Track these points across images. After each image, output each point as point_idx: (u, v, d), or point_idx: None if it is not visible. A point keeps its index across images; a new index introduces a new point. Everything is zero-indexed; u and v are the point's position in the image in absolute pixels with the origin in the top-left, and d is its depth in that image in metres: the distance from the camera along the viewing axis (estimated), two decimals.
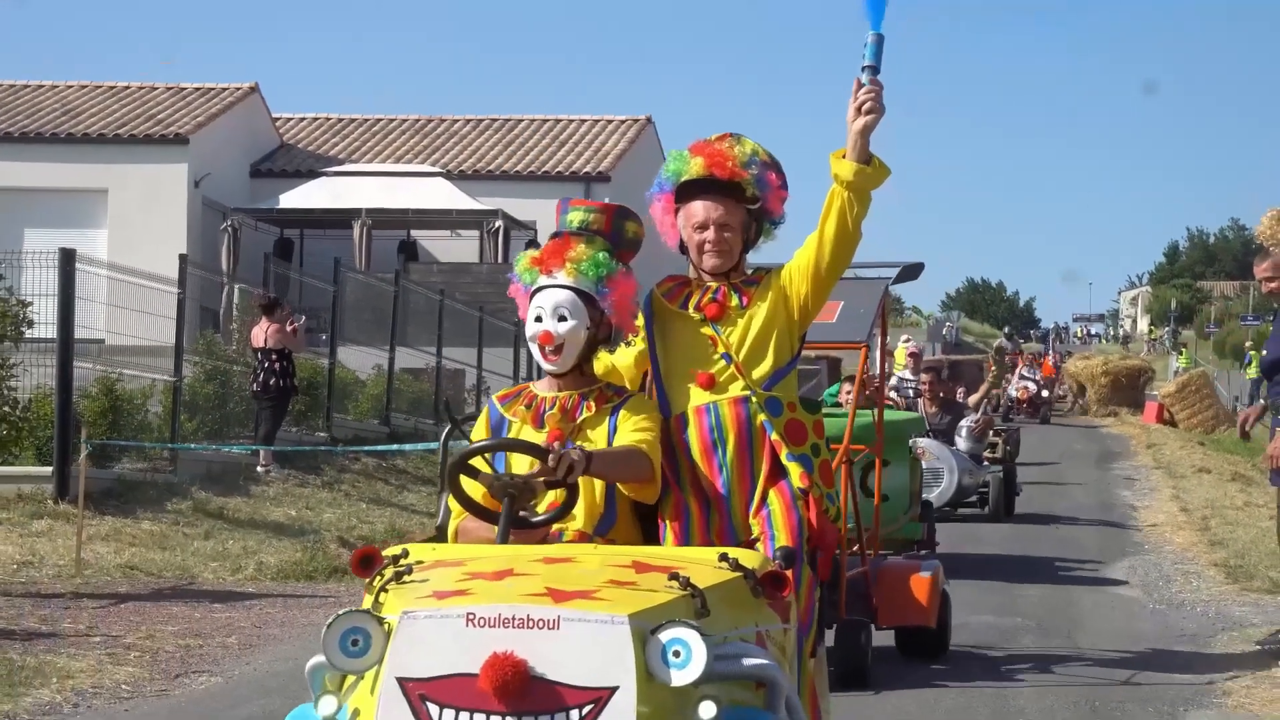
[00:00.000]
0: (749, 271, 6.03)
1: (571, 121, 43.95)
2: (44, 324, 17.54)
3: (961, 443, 19.16)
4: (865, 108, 5.71)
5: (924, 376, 19.41)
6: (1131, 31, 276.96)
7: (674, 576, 4.38)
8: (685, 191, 6.00)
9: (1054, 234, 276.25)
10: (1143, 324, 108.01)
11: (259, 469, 19.95)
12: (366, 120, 44.87)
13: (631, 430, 5.60)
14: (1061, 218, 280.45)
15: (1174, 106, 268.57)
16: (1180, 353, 66.90)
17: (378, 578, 4.58)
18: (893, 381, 25.11)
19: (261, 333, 20.20)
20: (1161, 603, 13.29)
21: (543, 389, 5.78)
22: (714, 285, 5.96)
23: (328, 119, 44.87)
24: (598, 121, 43.97)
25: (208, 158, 36.54)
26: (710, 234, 5.91)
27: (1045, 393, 43.22)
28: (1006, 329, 59.75)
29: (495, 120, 44.12)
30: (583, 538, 5.45)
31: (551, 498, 5.38)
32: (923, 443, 16.44)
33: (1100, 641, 11.28)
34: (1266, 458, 10.15)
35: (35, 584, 13.54)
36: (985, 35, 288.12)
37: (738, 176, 5.91)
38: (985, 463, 20.20)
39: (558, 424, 5.60)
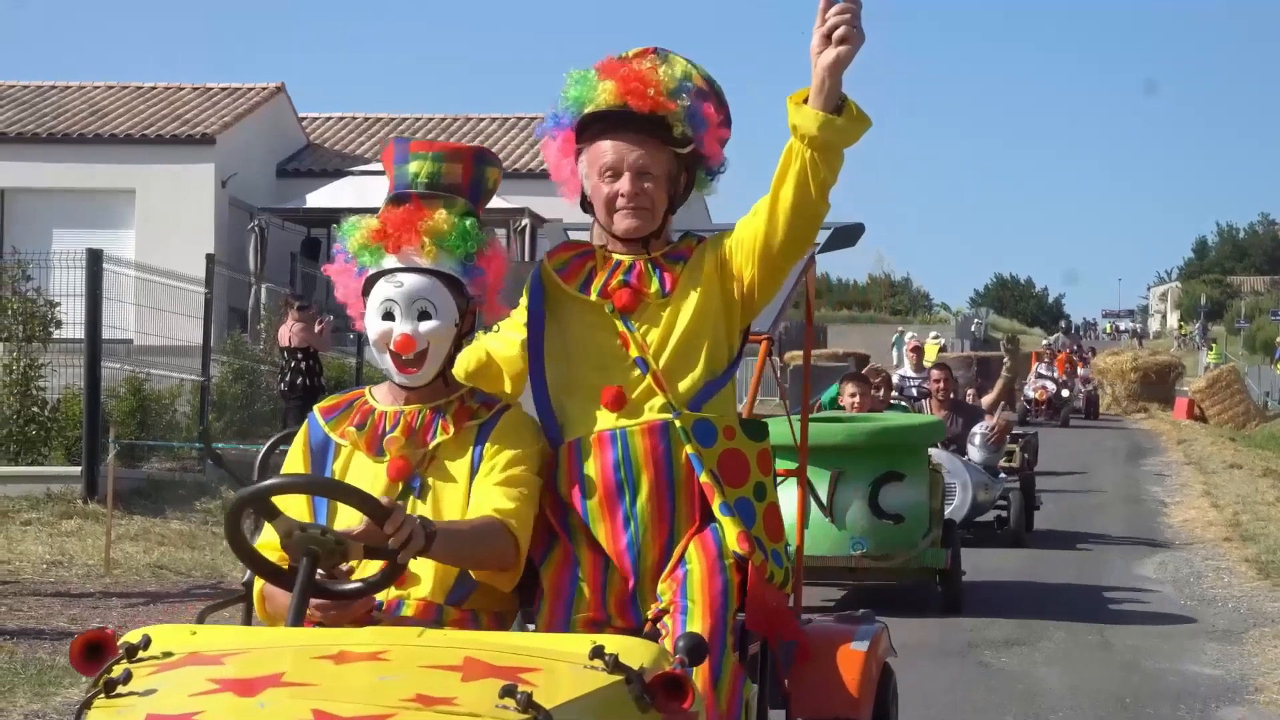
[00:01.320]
0: (675, 240, 4.62)
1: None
2: (72, 324, 17.60)
3: (975, 452, 16.37)
4: (838, 35, 4.11)
5: (935, 374, 16.67)
6: (1157, 29, 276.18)
7: (509, 691, 3.07)
8: (591, 127, 4.51)
9: (1084, 230, 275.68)
10: (1172, 319, 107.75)
11: None
12: (392, 119, 44.88)
13: (497, 484, 4.25)
14: (1091, 214, 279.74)
15: (1203, 102, 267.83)
16: (1210, 348, 66.71)
17: (106, 675, 3.28)
18: (894, 378, 24.16)
19: (287, 331, 20.22)
20: (1192, 599, 13.22)
21: (383, 399, 4.45)
22: (626, 259, 4.53)
23: (354, 118, 44.90)
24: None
25: (234, 157, 36.59)
26: (624, 185, 4.43)
27: (1065, 392, 38.58)
28: (1062, 323, 54.99)
29: (520, 119, 44.11)
30: (429, 610, 4.20)
31: (372, 564, 4.01)
32: (934, 454, 14.21)
33: (1130, 638, 11.22)
34: None
35: (65, 583, 13.56)
36: (1016, 32, 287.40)
37: (662, 109, 4.43)
38: (1001, 474, 16.96)
39: (402, 451, 4.30)
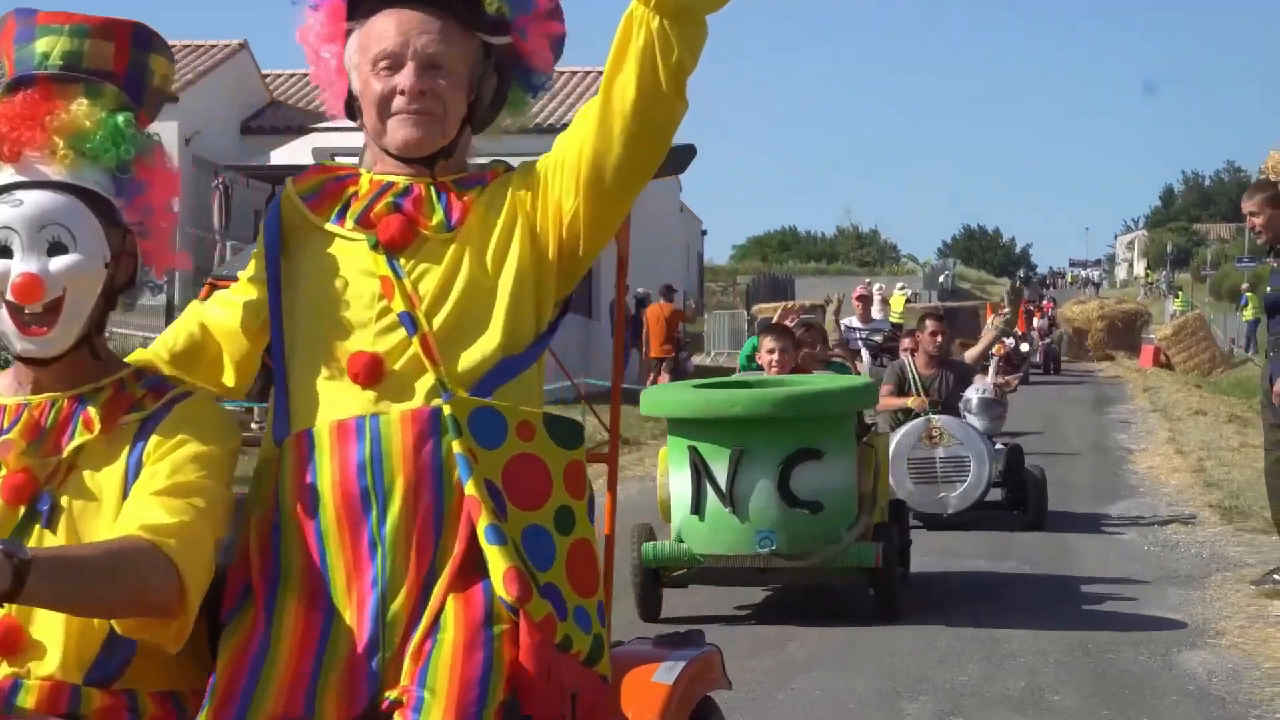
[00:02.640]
0: (474, 166, 3.45)
1: (563, 73, 43.78)
2: None
3: (975, 419, 14.52)
4: None
5: (929, 324, 14.14)
6: None
7: None
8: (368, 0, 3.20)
9: (1051, 180, 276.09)
10: (1139, 268, 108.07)
11: (254, 425, 19.89)
12: None
13: (157, 494, 2.93)
14: (1058, 164, 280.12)
15: (1170, 51, 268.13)
16: (1177, 296, 66.92)
17: None
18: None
19: None
20: (1156, 544, 13.28)
21: (3, 388, 3.13)
22: (402, 181, 3.29)
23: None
24: (589, 73, 43.79)
25: (197, 115, 36.41)
26: (406, 78, 3.18)
27: (1024, 346, 35.64)
28: (1021, 272, 48.50)
29: None
30: (58, 695, 2.88)
31: None
32: (939, 420, 13.27)
33: (1094, 584, 11.26)
34: (1277, 394, 10.12)
35: None
36: None
37: None
38: (998, 444, 14.51)
39: (23, 461, 2.97)
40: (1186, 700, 7.86)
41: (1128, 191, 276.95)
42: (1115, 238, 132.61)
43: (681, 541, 9.53)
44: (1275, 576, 10.71)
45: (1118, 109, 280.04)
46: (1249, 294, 44.29)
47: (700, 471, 9.30)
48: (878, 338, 19.22)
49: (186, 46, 39.37)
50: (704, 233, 67.33)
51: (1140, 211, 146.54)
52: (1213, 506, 15.32)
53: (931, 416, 13.36)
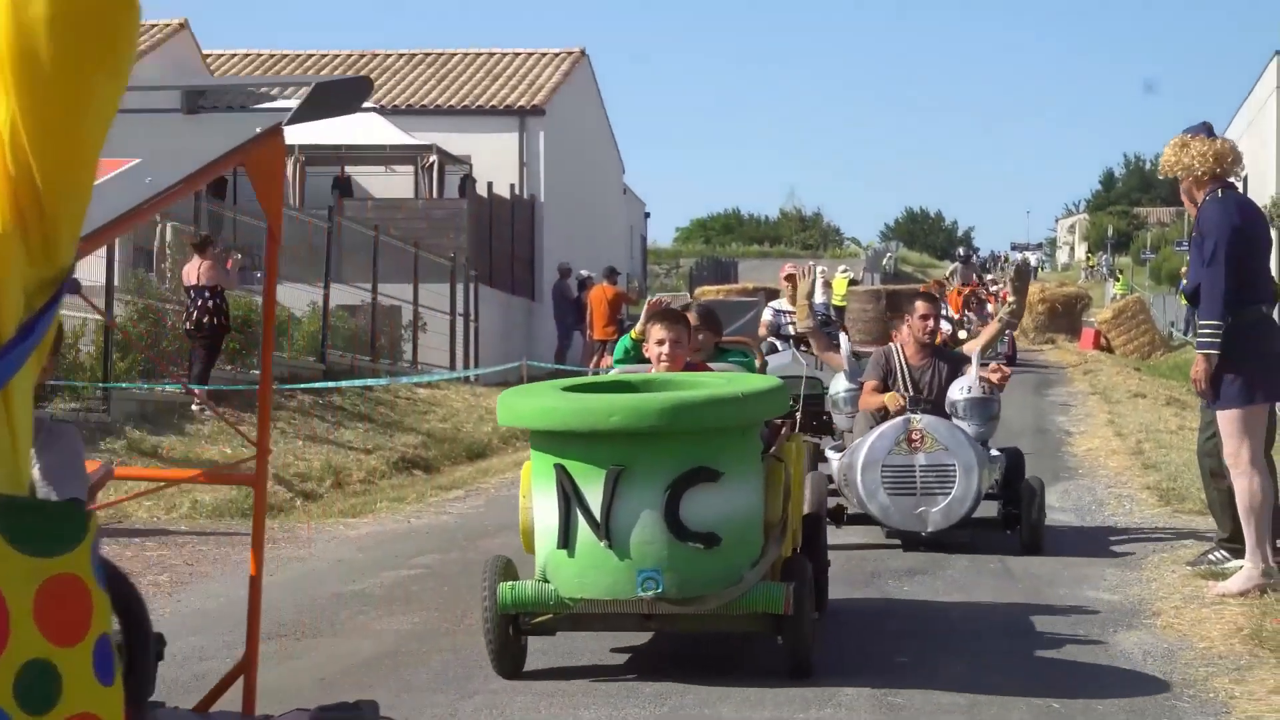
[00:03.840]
0: None
1: (505, 55, 43.72)
2: None
3: (965, 423, 11.95)
4: None
5: (919, 306, 12.34)
6: None
7: None
8: None
9: (993, 162, 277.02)
10: (1080, 251, 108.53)
11: (194, 407, 19.84)
12: (298, 56, 44.52)
13: None
14: (1000, 147, 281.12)
15: (1110, 32, 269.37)
16: (1117, 279, 67.29)
17: None
18: (766, 315, 21.83)
19: (194, 270, 20.07)
20: (1094, 525, 13.37)
21: None
22: None
23: (258, 55, 44.51)
24: (532, 55, 43.76)
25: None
26: None
27: (962, 334, 30.44)
28: (961, 250, 44.67)
29: (428, 54, 43.86)
30: None
31: None
32: (922, 421, 11.58)
33: (1031, 565, 11.34)
34: (1195, 382, 10.21)
35: None
36: None
37: None
38: (994, 451, 12.41)
39: None
40: (1122, 680, 7.93)
41: (1069, 175, 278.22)
42: (1056, 221, 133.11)
43: (546, 581, 7.71)
44: (1210, 558, 10.79)
45: (1059, 92, 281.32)
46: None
47: (569, 496, 7.46)
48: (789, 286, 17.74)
49: None
50: (647, 215, 67.32)
51: (1081, 195, 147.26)
52: (1150, 489, 15.44)
53: (913, 416, 11.61)
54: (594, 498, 7.45)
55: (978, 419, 12.05)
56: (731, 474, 7.52)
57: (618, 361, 9.42)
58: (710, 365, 8.94)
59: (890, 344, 12.65)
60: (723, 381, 7.86)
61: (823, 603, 9.06)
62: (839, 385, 12.73)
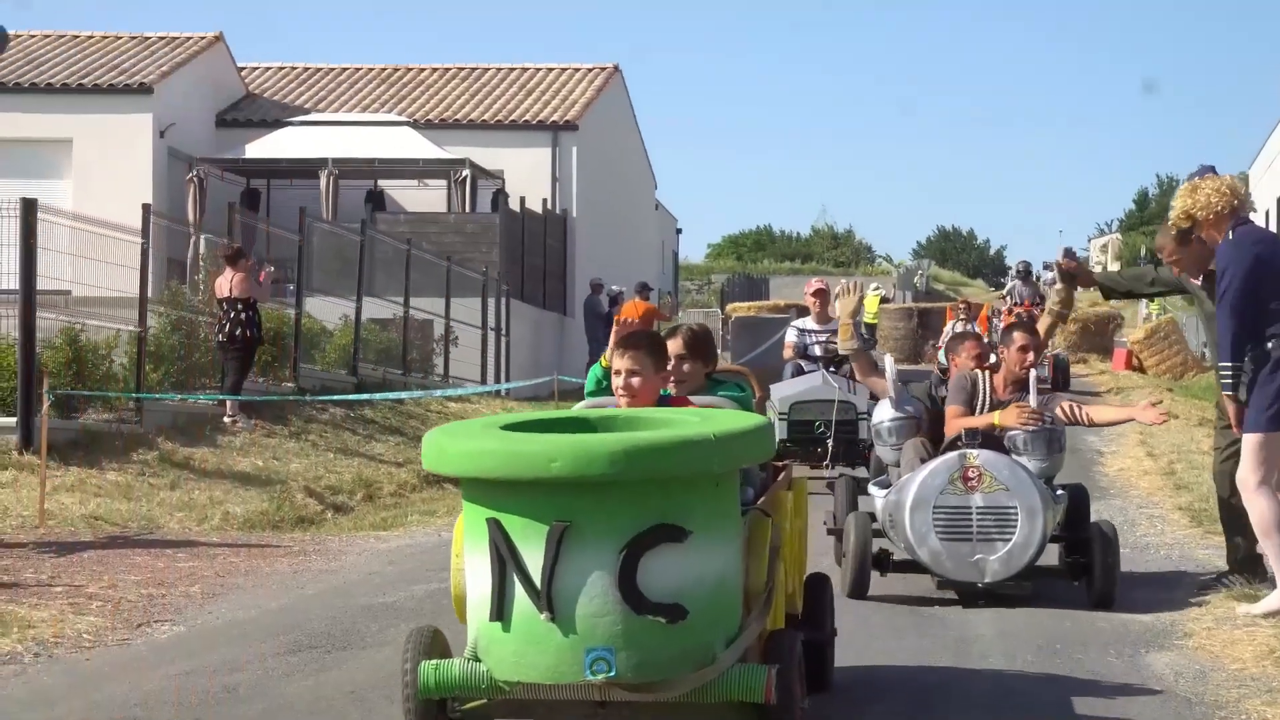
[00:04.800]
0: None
1: (539, 70, 43.80)
2: (7, 275, 17.49)
3: (1026, 459, 10.61)
4: None
5: (1017, 338, 11.13)
6: None
7: None
8: None
9: (1025, 182, 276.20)
10: (1113, 271, 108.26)
11: (225, 419, 19.91)
12: (332, 70, 44.67)
13: None
14: (1033, 166, 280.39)
15: (1144, 53, 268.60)
16: (1151, 300, 67.05)
17: None
18: (790, 336, 18.65)
19: (226, 283, 20.15)
20: (1125, 546, 13.28)
21: None
22: None
23: (293, 68, 44.67)
24: (565, 70, 43.83)
25: (173, 107, 36.35)
26: None
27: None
28: (1019, 264, 36.51)
29: (462, 69, 43.96)
30: None
31: None
32: (980, 457, 10.33)
33: (1061, 585, 11.28)
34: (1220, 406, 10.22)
35: None
36: None
37: None
38: (1058, 489, 11.05)
39: None
40: (1153, 701, 7.89)
41: (1102, 194, 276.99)
42: (1089, 240, 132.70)
43: (478, 660, 6.22)
44: (1224, 581, 10.77)
45: (1093, 111, 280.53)
46: None
47: (503, 558, 6.00)
48: (835, 341, 16.78)
49: (162, 39, 39.28)
50: (679, 231, 67.37)
51: (1114, 214, 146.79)
52: (1183, 509, 15.39)
53: (969, 452, 10.37)
54: (533, 560, 5.95)
55: (1040, 453, 10.69)
56: (702, 532, 6.03)
57: (589, 393, 7.83)
58: (693, 400, 7.43)
59: (975, 370, 11.25)
60: (696, 420, 6.35)
61: (825, 680, 7.85)
62: (883, 414, 11.19)
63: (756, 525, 6.70)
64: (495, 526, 6.02)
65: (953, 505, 10.31)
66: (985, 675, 8.51)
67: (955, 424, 10.86)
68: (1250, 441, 9.95)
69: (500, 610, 6.06)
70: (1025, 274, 33.53)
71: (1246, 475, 9.91)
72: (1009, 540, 10.24)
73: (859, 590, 10.60)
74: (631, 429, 6.44)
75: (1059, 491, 10.93)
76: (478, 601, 6.20)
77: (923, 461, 10.59)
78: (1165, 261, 10.99)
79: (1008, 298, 34.03)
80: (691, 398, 7.48)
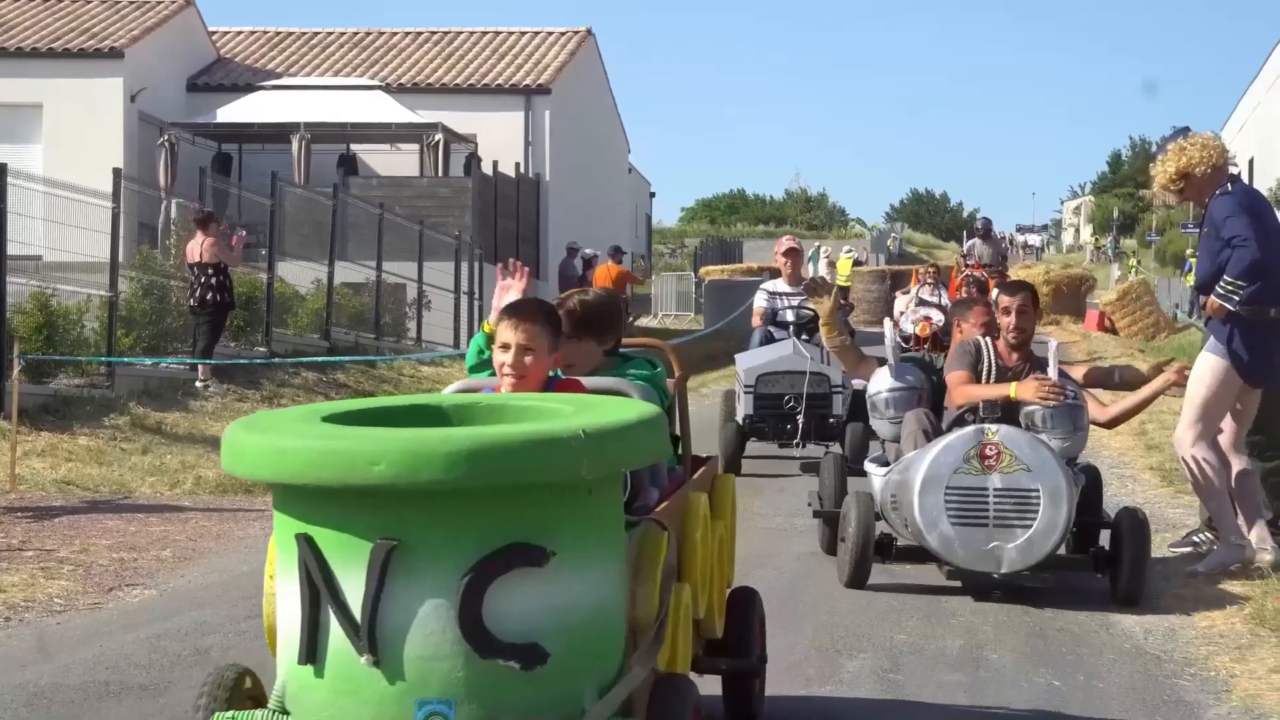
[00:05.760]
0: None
1: (512, 34, 43.68)
2: None
3: (1047, 435, 9.48)
4: None
5: (1003, 299, 10.10)
6: None
7: None
8: None
9: (998, 144, 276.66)
10: (1085, 233, 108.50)
11: (197, 384, 19.87)
12: (304, 34, 44.50)
13: None
14: (1006, 129, 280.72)
15: (1118, 14, 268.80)
16: (1129, 260, 67.25)
17: None
18: (759, 301, 16.56)
19: (198, 247, 20.08)
20: None
21: None
22: None
23: (264, 32, 44.49)
24: (538, 34, 43.71)
25: (143, 72, 36.18)
26: None
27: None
28: (979, 220, 34.42)
29: (434, 33, 43.82)
30: None
31: None
32: (999, 433, 9.20)
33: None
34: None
35: None
36: None
37: None
38: (1079, 469, 10.01)
39: None
40: (1123, 659, 7.94)
41: (1075, 157, 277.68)
42: (1062, 203, 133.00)
43: (285, 714, 4.80)
44: (1194, 539, 10.84)
45: (1066, 74, 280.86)
46: (1192, 260, 44.51)
47: (315, 585, 4.63)
48: (813, 306, 14.67)
49: (132, 2, 39.08)
50: (652, 195, 67.32)
51: (1087, 177, 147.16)
52: (1153, 469, 15.45)
53: (988, 427, 9.28)
54: (352, 588, 4.56)
55: (1062, 429, 9.56)
56: (569, 553, 4.64)
57: (471, 369, 6.43)
58: (586, 382, 6.05)
59: (979, 336, 10.20)
60: (570, 410, 4.94)
61: (753, 717, 6.66)
62: (880, 384, 10.28)
63: (647, 541, 5.29)
64: (305, 544, 4.62)
65: (968, 486, 9.16)
66: (955, 632, 8.54)
67: (963, 391, 9.82)
68: (1190, 399, 10.10)
69: (312, 651, 4.66)
70: (985, 233, 32.89)
71: (1182, 433, 10.14)
72: (1030, 526, 9.07)
73: (859, 579, 9.67)
74: (493, 422, 5.05)
75: (1079, 471, 9.84)
76: (287, 639, 4.81)
77: (927, 436, 9.60)
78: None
79: (967, 256, 32.59)
80: (587, 379, 6.13)
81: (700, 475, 6.60)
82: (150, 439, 16.89)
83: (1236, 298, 9.90)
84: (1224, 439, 10.21)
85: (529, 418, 5.00)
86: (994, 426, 9.26)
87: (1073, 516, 9.25)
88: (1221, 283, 9.99)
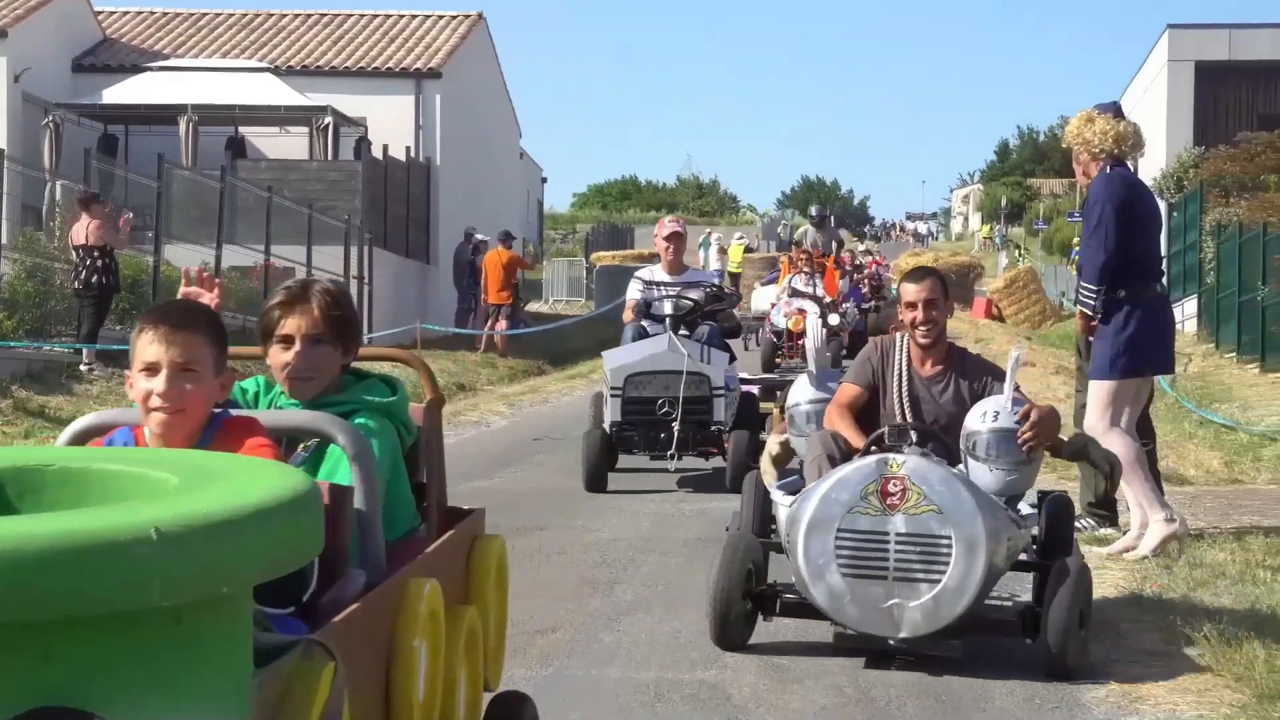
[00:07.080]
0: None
1: (402, 17, 43.45)
2: None
3: (985, 467, 7.73)
4: None
5: (905, 290, 8.27)
6: None
7: None
8: None
9: (889, 133, 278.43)
10: (974, 221, 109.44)
11: (81, 367, 19.66)
12: (192, 14, 44.04)
13: None
14: (896, 117, 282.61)
15: (1008, 5, 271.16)
16: (1016, 249, 67.93)
17: None
18: (633, 292, 14.17)
19: (83, 229, 19.85)
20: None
21: None
22: None
23: (151, 13, 43.99)
24: (429, 17, 43.50)
25: (27, 52, 35.68)
26: None
27: (835, 318, 24.68)
28: (814, 208, 35.51)
29: (324, 15, 43.50)
30: None
31: None
32: (906, 464, 7.31)
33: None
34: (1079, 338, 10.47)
35: None
36: None
37: None
38: (1029, 506, 7.99)
39: None
40: (997, 642, 7.96)
41: (964, 145, 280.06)
42: (951, 191, 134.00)
43: None
44: (1079, 523, 10.98)
45: (955, 63, 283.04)
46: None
47: None
48: (695, 296, 13.44)
49: None
50: (544, 180, 67.27)
51: (976, 165, 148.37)
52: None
53: (893, 457, 7.40)
54: None
55: (1007, 460, 7.71)
56: (139, 715, 2.70)
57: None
58: (261, 423, 4.30)
59: (891, 335, 8.53)
60: (174, 485, 3.04)
61: None
62: (801, 393, 8.82)
63: (297, 682, 3.28)
64: None
65: (864, 530, 7.29)
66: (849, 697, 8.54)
67: (830, 420, 8.24)
68: (1098, 388, 10.23)
69: None
70: (820, 222, 33.22)
71: (1094, 421, 10.21)
72: (937, 582, 7.18)
73: (726, 639, 7.76)
74: (55, 502, 3.22)
75: (1027, 510, 7.89)
76: None
77: (832, 462, 7.76)
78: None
79: (799, 244, 31.13)
80: (268, 415, 4.43)
81: (445, 543, 4.70)
82: (33, 423, 16.68)
83: (1092, 302, 10.18)
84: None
85: (111, 496, 3.18)
86: (900, 456, 7.38)
87: (998, 568, 7.36)
88: (1077, 290, 10.24)
